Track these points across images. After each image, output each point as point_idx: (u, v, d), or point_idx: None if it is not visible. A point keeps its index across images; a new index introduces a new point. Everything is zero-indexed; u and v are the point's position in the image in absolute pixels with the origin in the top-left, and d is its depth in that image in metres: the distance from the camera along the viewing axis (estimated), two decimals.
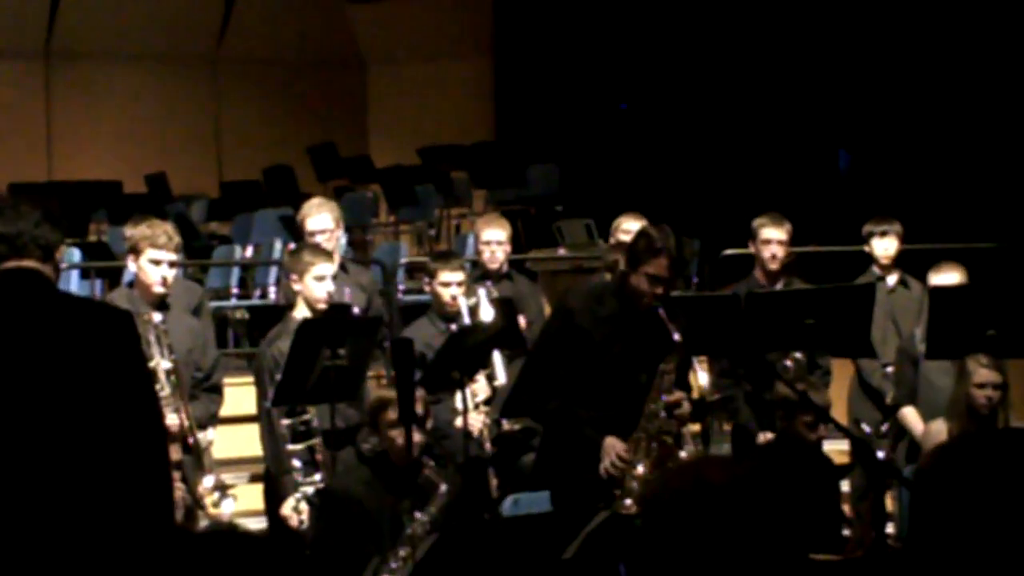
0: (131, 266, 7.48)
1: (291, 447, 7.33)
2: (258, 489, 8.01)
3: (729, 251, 11.92)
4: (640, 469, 6.32)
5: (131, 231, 7.48)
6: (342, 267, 8.45)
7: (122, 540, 4.17)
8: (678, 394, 6.42)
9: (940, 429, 7.70)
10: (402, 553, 6.25)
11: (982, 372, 7.51)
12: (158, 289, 7.39)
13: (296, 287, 7.65)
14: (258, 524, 7.84)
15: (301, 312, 7.59)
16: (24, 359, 4.23)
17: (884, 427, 8.78)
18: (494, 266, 9.08)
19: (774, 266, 8.79)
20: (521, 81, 19.52)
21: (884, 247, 9.29)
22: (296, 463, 7.32)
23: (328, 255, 7.88)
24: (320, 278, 7.59)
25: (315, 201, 8.85)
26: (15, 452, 4.17)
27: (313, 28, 20.33)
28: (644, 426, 6.38)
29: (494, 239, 9.12)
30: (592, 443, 6.39)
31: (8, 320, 4.31)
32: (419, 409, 6.45)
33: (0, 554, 4.14)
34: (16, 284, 4.37)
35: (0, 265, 4.39)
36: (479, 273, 9.17)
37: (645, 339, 6.37)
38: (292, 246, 13.70)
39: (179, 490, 6.57)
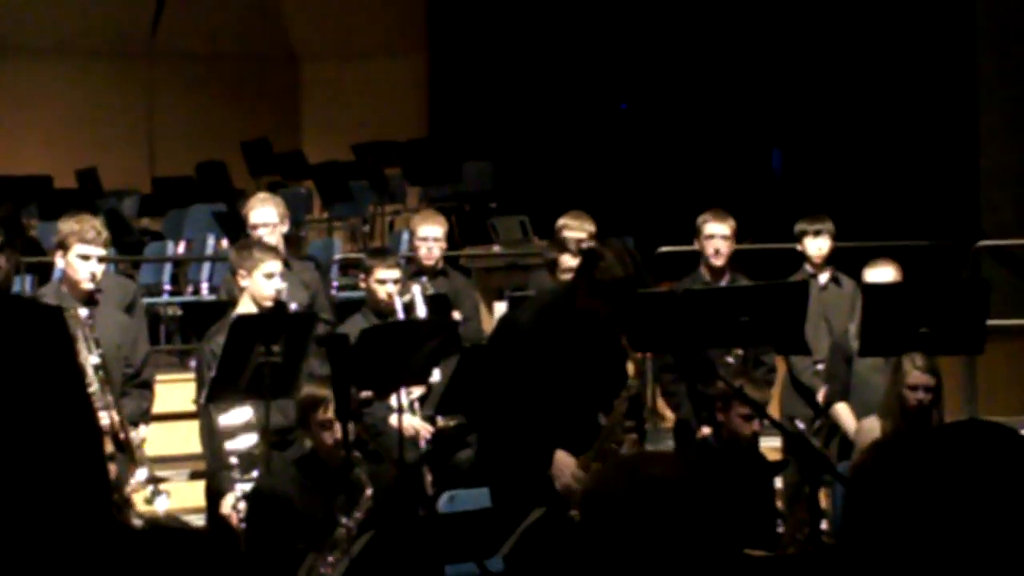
0: (59, 262, 7.42)
1: (230, 445, 7.28)
2: (196, 486, 7.96)
3: (664, 248, 11.94)
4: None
5: (60, 226, 7.43)
6: (285, 264, 8.42)
7: (58, 542, 4.10)
8: (626, 395, 6.40)
9: (873, 426, 7.73)
10: (336, 552, 6.21)
11: (915, 374, 7.54)
12: (86, 285, 7.33)
13: (243, 283, 7.60)
14: (197, 521, 7.78)
15: (245, 308, 7.54)
16: None
17: (817, 424, 8.81)
18: (430, 262, 9.06)
19: (718, 261, 8.82)
20: (455, 77, 19.49)
21: (817, 246, 9.32)
22: (233, 460, 7.27)
23: (277, 252, 7.84)
24: (269, 275, 7.56)
25: (260, 195, 8.84)
26: None
27: (246, 23, 20.23)
28: (600, 444, 6.36)
29: (431, 235, 9.10)
30: (542, 454, 6.33)
31: None
32: (354, 406, 6.41)
33: None
34: None
35: None
36: (414, 269, 9.14)
37: (596, 352, 6.35)
38: (224, 242, 13.69)
39: None
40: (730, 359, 8.12)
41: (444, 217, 9.53)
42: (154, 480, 7.16)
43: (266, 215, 8.41)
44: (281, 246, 8.58)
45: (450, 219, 13.20)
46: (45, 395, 4.10)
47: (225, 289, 8.73)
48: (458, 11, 19.44)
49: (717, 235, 8.85)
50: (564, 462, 6.31)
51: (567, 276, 8.27)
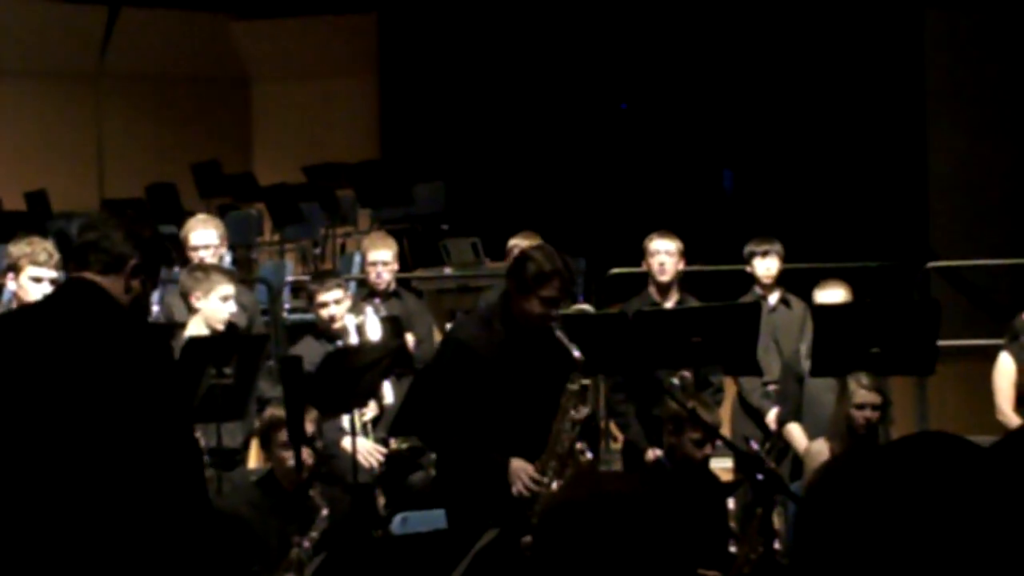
0: (10, 284, 7.38)
1: None
2: None
3: (616, 270, 11.96)
4: (555, 488, 6.30)
5: (10, 249, 7.39)
6: None
7: (154, 547, 4.21)
8: (585, 411, 6.42)
9: (821, 449, 7.75)
10: (290, 573, 6.19)
11: (861, 393, 7.56)
12: None
13: (198, 304, 7.57)
14: None
15: (193, 330, 7.52)
16: (50, 368, 4.23)
17: (768, 445, 8.84)
18: (381, 286, 9.06)
19: (664, 278, 8.86)
20: (406, 99, 19.50)
21: (766, 267, 9.34)
22: None
23: (232, 276, 7.82)
24: (225, 298, 7.54)
25: (199, 217, 8.80)
26: (36, 457, 4.18)
27: (197, 44, 20.18)
28: (552, 446, 6.36)
29: (379, 259, 9.10)
30: (497, 465, 6.34)
31: (51, 327, 4.31)
32: (309, 429, 6.40)
33: (23, 559, 4.16)
34: (66, 294, 4.42)
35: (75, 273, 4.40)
36: (367, 291, 9.14)
37: (540, 359, 6.36)
38: (176, 267, 13.63)
39: None
40: (675, 380, 8.13)
41: (394, 240, 9.54)
42: None
43: (206, 237, 8.39)
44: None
45: (402, 241, 13.20)
46: (147, 410, 4.22)
47: (164, 313, 8.71)
48: (409, 33, 19.45)
49: (662, 251, 8.91)
50: (519, 467, 6.32)
51: None
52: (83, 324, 4.31)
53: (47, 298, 4.61)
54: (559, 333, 6.28)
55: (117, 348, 4.30)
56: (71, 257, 4.40)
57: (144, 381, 4.28)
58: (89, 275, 4.36)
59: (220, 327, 7.53)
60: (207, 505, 4.47)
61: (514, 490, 6.30)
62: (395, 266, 9.21)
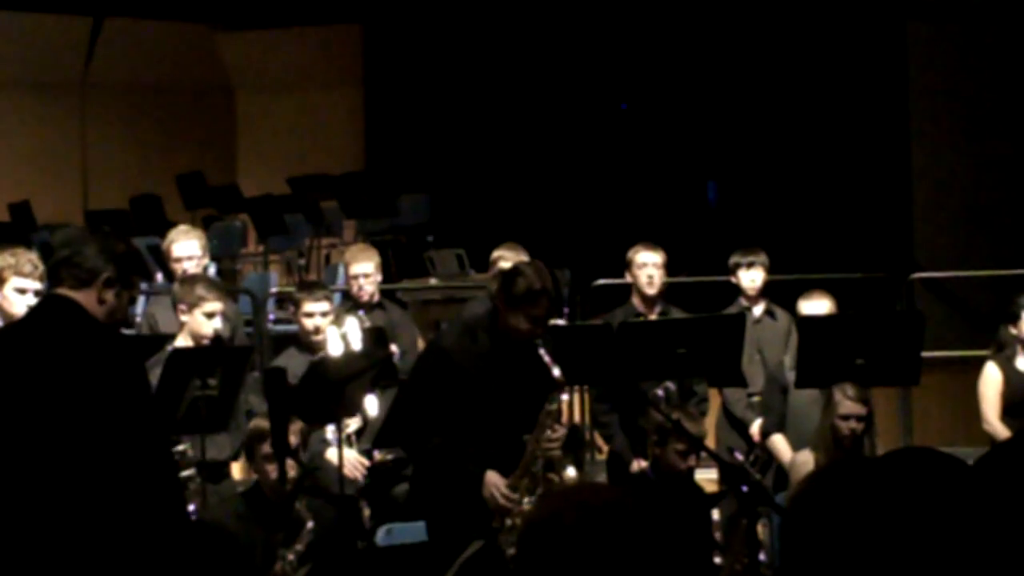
0: None
1: None
2: None
3: (600, 281, 11.97)
4: (526, 506, 6.30)
5: None
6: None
7: (129, 558, 4.30)
8: (562, 431, 6.42)
9: (806, 460, 7.75)
10: None
11: (847, 404, 7.56)
12: None
13: (183, 318, 7.56)
14: None
15: (181, 342, 7.50)
16: (24, 382, 4.33)
17: (752, 456, 8.84)
18: (363, 298, 9.07)
19: (651, 290, 8.87)
20: (392, 111, 19.50)
21: (750, 278, 9.35)
22: None
23: (223, 293, 7.81)
24: (211, 314, 7.53)
25: (182, 228, 8.78)
26: (20, 472, 4.27)
27: (181, 55, 20.16)
28: (526, 464, 6.36)
29: (361, 272, 9.11)
30: (472, 476, 6.35)
31: (21, 345, 4.43)
32: (293, 440, 6.39)
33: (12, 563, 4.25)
34: (42, 311, 4.56)
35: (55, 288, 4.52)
36: (350, 303, 9.14)
37: (521, 373, 6.36)
38: (160, 275, 13.61)
39: None
40: (659, 391, 8.14)
41: (376, 250, 9.53)
42: None
43: (189, 248, 8.38)
44: None
45: (386, 252, 13.20)
46: (117, 419, 4.26)
47: (148, 323, 8.69)
48: (394, 44, 19.45)
49: (649, 263, 8.91)
50: (494, 482, 6.33)
51: None
52: (58, 339, 4.39)
53: (26, 316, 4.69)
54: (542, 351, 6.29)
55: (91, 362, 4.37)
56: (48, 274, 4.54)
57: (117, 393, 4.34)
58: (63, 291, 4.45)
59: (205, 342, 7.51)
60: (182, 516, 4.53)
61: (490, 506, 6.30)
62: (378, 278, 9.21)
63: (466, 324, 6.77)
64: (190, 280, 7.92)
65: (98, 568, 4.25)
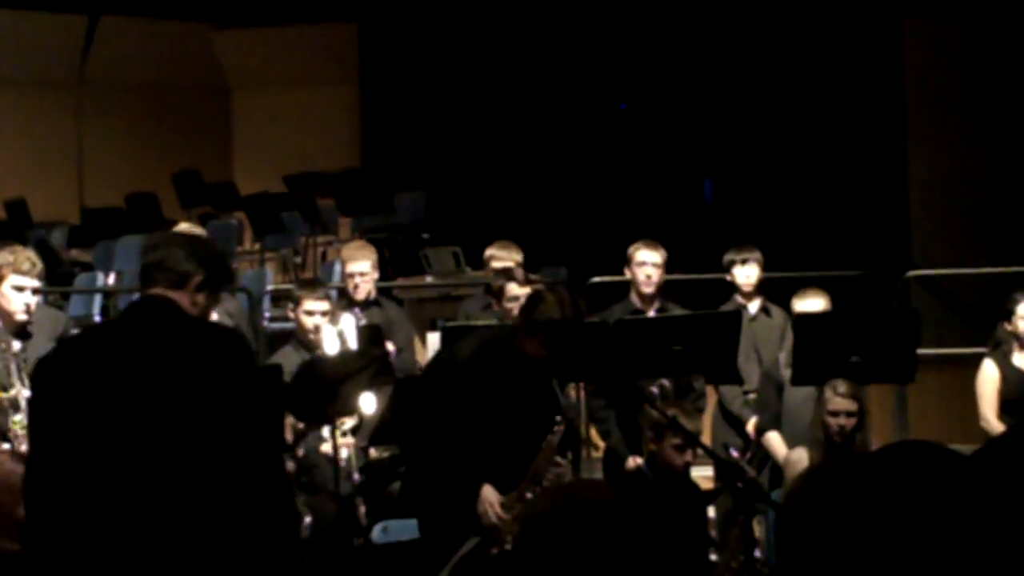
0: None
1: None
2: None
3: (597, 279, 11.97)
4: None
5: None
6: None
7: (245, 549, 4.42)
8: (564, 464, 6.44)
9: (800, 457, 7.76)
10: None
11: (836, 400, 7.57)
12: (20, 317, 7.27)
13: None
14: None
15: None
16: (140, 379, 4.43)
17: (748, 454, 8.85)
18: (361, 296, 9.07)
19: (649, 289, 8.87)
20: (387, 108, 19.49)
21: (745, 275, 9.35)
22: None
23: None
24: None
25: (182, 226, 8.78)
26: (138, 466, 4.36)
27: (177, 53, 20.15)
28: (524, 488, 6.37)
29: (358, 271, 9.11)
30: (469, 487, 6.33)
31: (127, 342, 4.54)
32: (289, 437, 6.39)
33: (130, 562, 4.35)
34: (139, 311, 4.68)
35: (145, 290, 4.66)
36: (347, 301, 9.13)
37: (531, 396, 6.37)
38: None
39: None
40: (655, 388, 8.14)
41: (373, 248, 9.52)
42: None
43: None
44: None
45: (382, 250, 13.20)
46: (227, 410, 4.43)
47: None
48: (390, 42, 19.45)
49: (649, 262, 8.92)
50: (490, 498, 6.33)
51: (512, 304, 8.32)
52: (163, 335, 4.55)
53: (124, 314, 4.81)
54: (555, 381, 6.32)
55: (200, 355, 4.53)
56: (140, 276, 4.66)
57: (228, 385, 4.51)
58: (159, 291, 4.60)
59: None
60: (290, 502, 4.83)
61: (484, 521, 6.30)
62: (374, 275, 9.20)
63: (484, 340, 6.77)
64: None
65: (216, 561, 4.37)
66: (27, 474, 4.48)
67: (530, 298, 6.59)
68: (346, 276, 9.20)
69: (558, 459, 6.45)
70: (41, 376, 4.65)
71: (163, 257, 4.63)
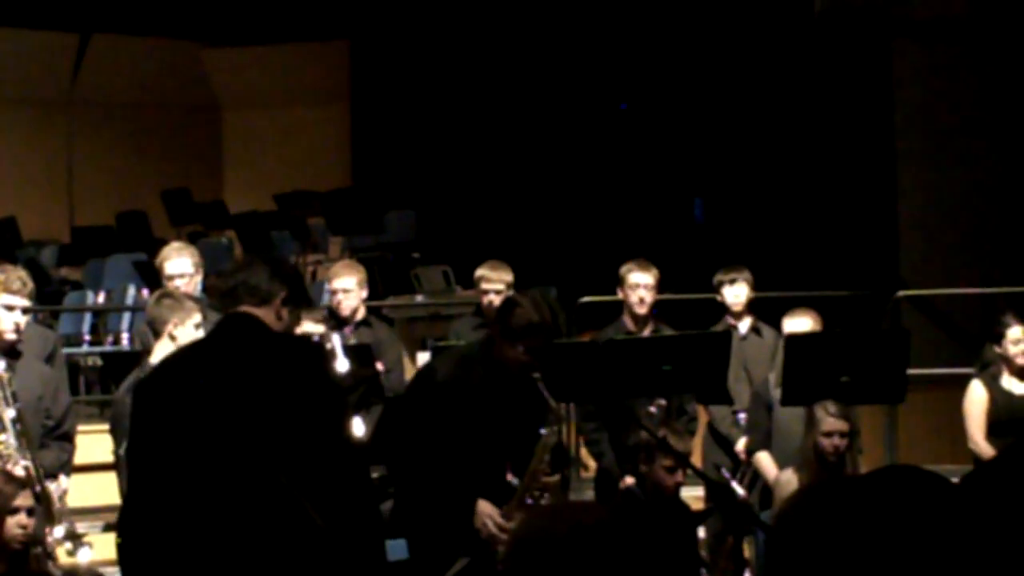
0: None
1: None
2: (112, 538, 7.86)
3: (587, 298, 11.97)
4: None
5: None
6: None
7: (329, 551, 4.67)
8: (556, 476, 6.43)
9: (790, 479, 7.75)
10: None
11: (829, 421, 7.56)
12: (10, 335, 7.27)
13: (175, 331, 7.53)
14: (113, 574, 7.70)
15: (159, 357, 7.47)
16: (230, 392, 4.73)
17: (739, 474, 8.85)
18: (345, 313, 9.04)
19: (642, 310, 8.87)
20: (378, 128, 19.50)
21: (734, 294, 9.36)
22: None
23: (201, 303, 7.80)
24: (199, 326, 7.51)
25: (175, 245, 8.76)
26: (239, 475, 4.62)
27: (168, 72, 20.16)
28: (521, 495, 6.35)
29: (341, 287, 9.09)
30: (463, 505, 6.32)
31: (220, 358, 4.85)
32: None
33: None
34: (229, 328, 4.93)
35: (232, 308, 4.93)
36: (334, 321, 9.12)
37: (516, 405, 6.35)
38: (146, 292, 13.60)
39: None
40: (652, 409, 8.14)
41: (360, 268, 9.49)
42: (72, 536, 7.09)
43: (182, 266, 8.36)
44: (197, 295, 8.55)
45: (372, 269, 13.17)
46: (307, 419, 4.70)
47: (138, 339, 8.66)
48: (381, 61, 19.46)
49: (641, 284, 8.90)
50: (486, 512, 6.30)
51: None
52: (254, 349, 4.86)
53: (217, 331, 5.06)
54: (540, 384, 6.27)
55: (287, 369, 4.84)
56: (224, 296, 4.95)
57: (312, 395, 4.80)
58: (246, 308, 4.89)
59: None
60: (372, 507, 5.13)
61: (483, 535, 6.28)
62: (362, 294, 9.17)
63: (461, 355, 6.74)
64: (171, 296, 7.87)
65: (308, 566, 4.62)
66: (130, 496, 4.82)
67: (505, 304, 6.53)
68: (331, 292, 9.22)
69: (546, 471, 6.43)
70: (143, 397, 4.92)
71: (248, 277, 4.90)
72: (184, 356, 5.39)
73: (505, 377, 6.35)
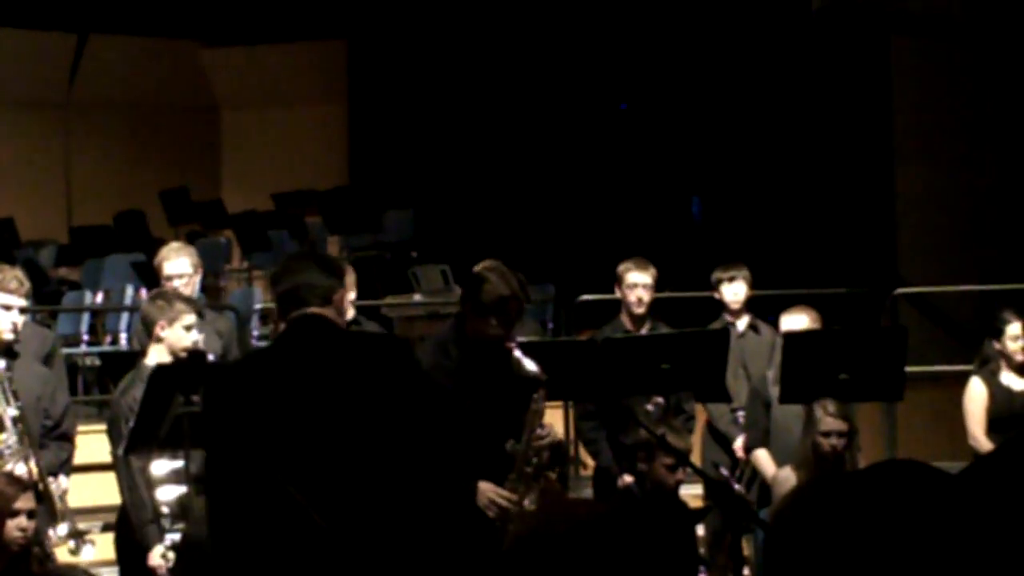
0: None
1: (160, 495, 7.20)
2: (111, 538, 7.87)
3: (585, 297, 11.97)
4: (528, 504, 6.30)
5: None
6: (198, 313, 8.35)
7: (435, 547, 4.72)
8: (549, 431, 6.42)
9: (788, 476, 7.75)
10: None
11: (828, 420, 7.56)
12: (7, 336, 7.26)
13: (162, 333, 7.52)
14: (112, 574, 7.71)
15: (154, 358, 7.46)
16: (319, 393, 4.72)
17: (737, 472, 8.85)
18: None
19: (640, 310, 8.85)
20: (376, 127, 19.51)
21: (732, 291, 9.36)
22: (165, 510, 7.19)
23: (194, 304, 7.78)
24: (189, 327, 7.49)
25: (174, 245, 8.74)
26: (325, 476, 4.63)
27: (166, 71, 20.16)
28: (520, 466, 6.35)
29: None
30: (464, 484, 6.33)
31: (300, 360, 4.84)
32: None
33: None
34: (302, 329, 4.88)
35: (290, 316, 4.90)
36: None
37: (500, 379, 6.35)
38: (144, 292, 13.60)
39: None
40: (650, 407, 8.13)
41: (350, 268, 9.39)
42: (75, 534, 7.09)
43: (180, 266, 8.35)
44: (194, 295, 8.54)
45: (371, 268, 13.19)
46: (403, 415, 4.74)
47: (137, 339, 8.66)
48: (378, 60, 19.47)
49: (639, 284, 8.88)
50: (487, 489, 6.31)
51: None
52: (334, 348, 4.89)
53: (290, 334, 4.97)
54: (517, 353, 6.27)
55: (376, 364, 4.86)
56: (285, 300, 4.92)
57: (407, 388, 4.84)
58: (315, 310, 4.88)
59: (182, 354, 7.47)
60: (469, 500, 5.27)
61: (490, 515, 6.29)
62: (349, 295, 9.05)
63: (436, 342, 6.75)
64: (162, 297, 7.86)
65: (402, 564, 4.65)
66: (215, 500, 4.79)
67: (472, 280, 6.53)
68: None
69: (545, 424, 6.44)
70: (225, 401, 4.89)
71: (308, 278, 4.90)
72: (261, 359, 5.35)
73: (484, 353, 6.36)
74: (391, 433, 4.70)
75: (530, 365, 6.25)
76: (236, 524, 4.68)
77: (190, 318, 7.52)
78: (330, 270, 4.98)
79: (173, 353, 7.46)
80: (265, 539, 4.61)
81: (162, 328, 7.51)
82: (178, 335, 7.47)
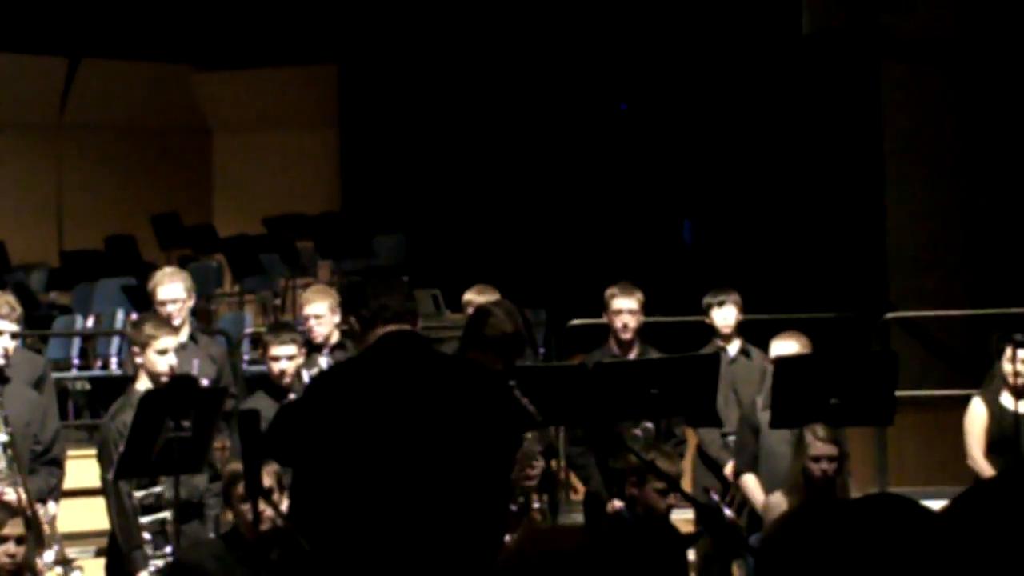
0: None
1: (142, 520, 7.19)
2: (102, 564, 7.86)
3: (576, 321, 11.97)
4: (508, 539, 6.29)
5: None
6: (191, 338, 8.35)
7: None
8: (539, 465, 6.42)
9: (779, 502, 7.75)
10: None
11: (817, 445, 7.56)
12: None
13: (138, 359, 7.51)
14: None
15: (143, 384, 7.45)
16: (417, 407, 4.89)
17: (728, 497, 8.85)
18: (318, 339, 8.93)
19: (626, 335, 8.86)
20: (367, 151, 19.52)
21: (723, 317, 9.37)
22: (147, 536, 7.18)
23: (172, 328, 7.77)
24: (163, 351, 7.46)
25: (167, 270, 8.74)
26: (410, 489, 4.80)
27: (157, 95, 20.16)
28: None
29: (313, 313, 8.96)
30: None
31: (401, 373, 5.00)
32: (268, 482, 6.37)
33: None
34: (402, 344, 5.04)
35: (380, 328, 5.02)
36: (309, 346, 9.06)
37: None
38: (135, 316, 13.59)
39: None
40: (638, 432, 8.14)
41: (331, 293, 9.34)
42: (63, 561, 7.08)
43: (174, 291, 8.35)
44: (188, 320, 8.53)
45: None
46: (486, 443, 4.98)
47: (129, 364, 8.66)
48: (370, 84, 19.48)
49: (625, 310, 8.88)
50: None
51: None
52: (432, 364, 5.11)
53: (382, 349, 5.07)
54: (517, 392, 6.27)
55: (466, 383, 5.07)
56: (370, 320, 5.05)
57: (491, 410, 5.04)
58: (407, 327, 5.06)
59: (163, 380, 7.44)
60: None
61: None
62: (334, 319, 9.02)
63: None
64: (139, 321, 7.87)
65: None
66: (299, 504, 5.01)
67: (477, 314, 6.51)
68: (303, 318, 9.14)
69: (535, 464, 6.43)
70: (326, 410, 5.00)
71: (390, 300, 5.08)
72: (359, 367, 5.32)
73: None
74: (477, 455, 4.89)
75: (526, 404, 6.26)
76: (321, 527, 4.81)
77: (164, 342, 7.48)
78: (406, 295, 5.18)
79: (152, 377, 7.43)
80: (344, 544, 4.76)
81: (136, 354, 7.49)
82: (152, 359, 7.44)
